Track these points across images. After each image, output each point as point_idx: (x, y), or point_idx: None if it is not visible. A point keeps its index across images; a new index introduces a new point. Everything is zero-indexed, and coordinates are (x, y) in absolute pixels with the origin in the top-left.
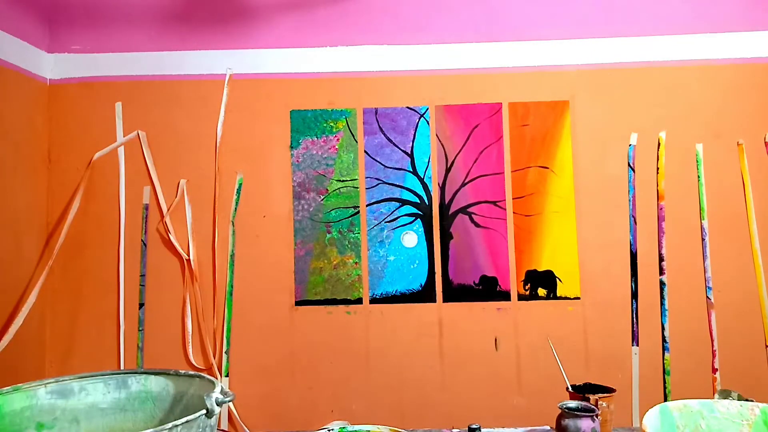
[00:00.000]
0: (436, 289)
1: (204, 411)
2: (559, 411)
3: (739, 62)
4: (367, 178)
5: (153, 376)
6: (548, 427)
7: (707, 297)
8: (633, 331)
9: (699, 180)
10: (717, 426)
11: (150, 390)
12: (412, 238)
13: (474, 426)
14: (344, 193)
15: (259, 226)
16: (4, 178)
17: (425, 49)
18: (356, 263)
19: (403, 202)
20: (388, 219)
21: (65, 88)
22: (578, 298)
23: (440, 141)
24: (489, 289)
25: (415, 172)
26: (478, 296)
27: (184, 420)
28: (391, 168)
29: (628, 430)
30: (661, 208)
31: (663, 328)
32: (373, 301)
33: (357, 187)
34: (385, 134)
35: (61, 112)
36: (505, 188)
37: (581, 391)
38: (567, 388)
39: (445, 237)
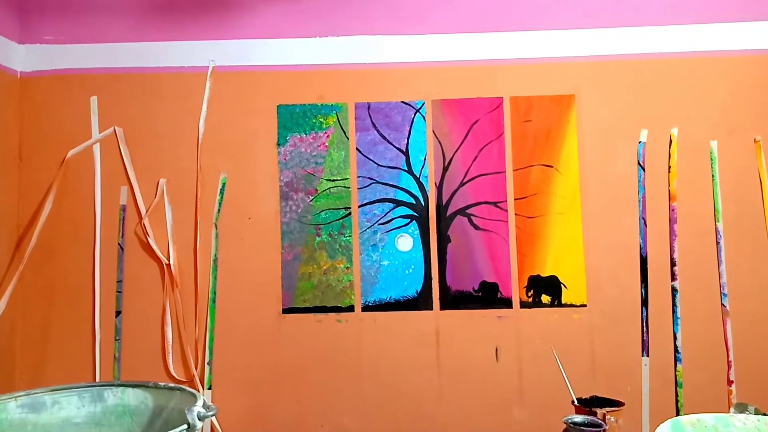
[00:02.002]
0: (433, 295)
1: (185, 426)
2: (564, 426)
3: (755, 54)
4: (359, 177)
5: (131, 389)
6: None
7: (722, 304)
8: (643, 340)
9: (713, 179)
10: None
11: (127, 403)
12: (407, 241)
13: None
14: (335, 193)
15: (244, 229)
16: None
17: (421, 40)
18: (348, 268)
19: (398, 203)
20: (382, 221)
21: (37, 82)
22: (584, 306)
23: (437, 138)
24: (489, 296)
25: (410, 171)
26: (477, 303)
27: None
28: (384, 167)
29: None
30: (672, 210)
31: (675, 338)
32: (366, 308)
33: (348, 187)
34: (378, 130)
35: (32, 107)
36: (506, 188)
37: (588, 404)
38: (572, 402)
39: (443, 240)
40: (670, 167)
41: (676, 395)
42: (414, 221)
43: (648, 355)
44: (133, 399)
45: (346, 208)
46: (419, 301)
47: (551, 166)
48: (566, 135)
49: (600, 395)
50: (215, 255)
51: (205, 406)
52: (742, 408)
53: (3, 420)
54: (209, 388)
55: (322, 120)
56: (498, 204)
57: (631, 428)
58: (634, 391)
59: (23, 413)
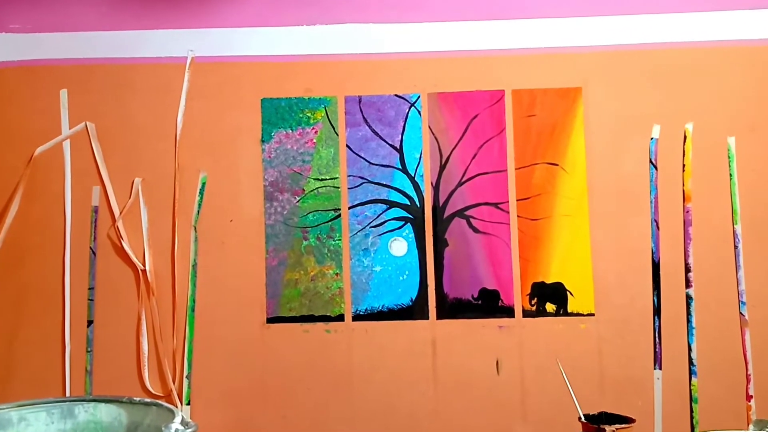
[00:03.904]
0: (429, 303)
1: None
2: None
3: None
4: (349, 176)
5: (103, 404)
6: None
7: (740, 313)
8: (655, 352)
9: (731, 179)
10: None
11: (100, 420)
12: (401, 245)
13: None
14: (323, 193)
15: (226, 232)
16: None
17: (416, 28)
18: (337, 274)
19: (391, 204)
20: (374, 223)
21: (3, 73)
22: (592, 315)
23: (433, 134)
24: (490, 304)
25: (404, 170)
26: (477, 312)
27: None
28: (377, 165)
29: None
30: (687, 211)
31: (689, 349)
32: (357, 317)
33: (338, 187)
34: (370, 126)
35: None
36: (507, 188)
37: (596, 421)
38: (579, 418)
39: (439, 244)
40: (684, 166)
41: (691, 411)
42: (408, 224)
43: (660, 368)
44: (105, 415)
45: (336, 210)
46: (414, 310)
47: (556, 165)
48: (572, 131)
49: (609, 411)
50: (194, 260)
51: (183, 422)
52: (761, 425)
53: None
54: (188, 404)
55: (309, 115)
56: (499, 205)
57: None
58: (646, 406)
59: None
